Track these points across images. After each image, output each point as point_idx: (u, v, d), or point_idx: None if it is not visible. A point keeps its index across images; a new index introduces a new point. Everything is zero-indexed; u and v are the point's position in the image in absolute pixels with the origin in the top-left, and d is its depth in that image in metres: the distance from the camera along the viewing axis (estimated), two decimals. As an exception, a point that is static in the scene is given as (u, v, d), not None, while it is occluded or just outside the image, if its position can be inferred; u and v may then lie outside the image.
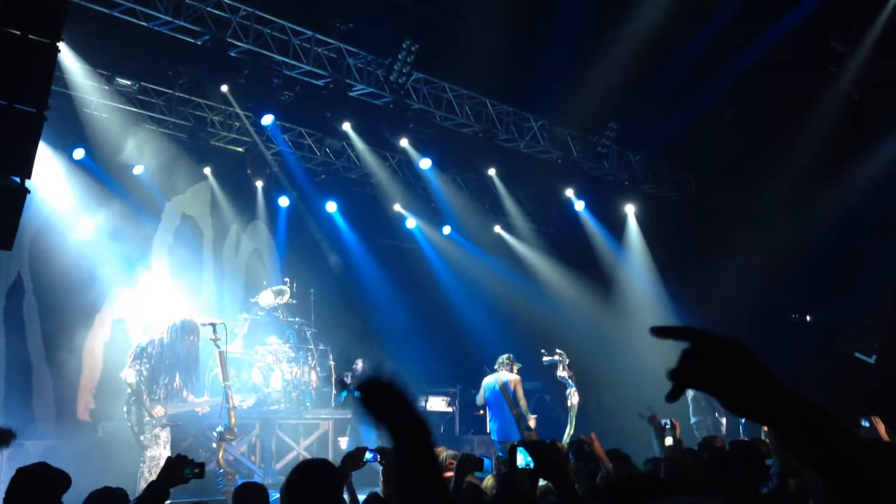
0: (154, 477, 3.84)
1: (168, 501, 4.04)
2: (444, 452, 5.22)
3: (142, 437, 8.41)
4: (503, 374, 10.08)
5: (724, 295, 13.14)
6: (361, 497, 4.75)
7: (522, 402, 9.95)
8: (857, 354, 12.51)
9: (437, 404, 13.01)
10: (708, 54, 11.25)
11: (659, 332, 1.30)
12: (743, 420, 9.62)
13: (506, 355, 10.33)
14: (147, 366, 8.62)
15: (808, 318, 14.22)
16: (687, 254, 14.77)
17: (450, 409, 13.09)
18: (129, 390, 8.61)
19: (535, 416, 10.20)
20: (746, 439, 6.98)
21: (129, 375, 8.56)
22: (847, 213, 12.42)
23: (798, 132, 12.36)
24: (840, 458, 1.19)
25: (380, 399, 1.66)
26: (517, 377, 10.13)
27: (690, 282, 13.96)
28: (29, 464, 3.80)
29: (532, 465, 2.80)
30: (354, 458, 4.96)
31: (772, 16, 10.81)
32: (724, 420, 10.42)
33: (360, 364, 11.52)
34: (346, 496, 4.80)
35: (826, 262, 12.89)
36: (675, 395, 1.26)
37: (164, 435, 8.45)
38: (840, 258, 12.87)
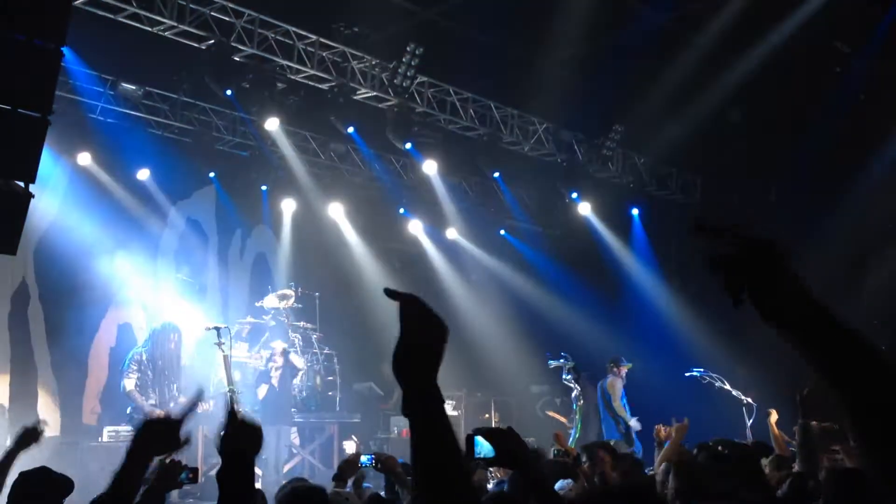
0: None
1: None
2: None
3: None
4: (608, 378, 10.31)
5: (730, 298, 13.07)
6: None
7: (615, 404, 10.08)
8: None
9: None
10: (713, 56, 11.22)
11: (700, 229, 1.31)
12: (750, 422, 9.58)
13: (610, 358, 10.62)
14: (140, 373, 8.89)
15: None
16: (692, 256, 14.72)
17: (455, 413, 13.05)
18: (129, 398, 8.86)
19: (636, 417, 10.19)
20: (747, 443, 6.95)
21: (127, 384, 8.87)
22: (852, 215, 12.37)
23: (803, 133, 12.31)
24: (855, 360, 1.22)
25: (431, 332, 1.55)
26: (612, 378, 10.27)
27: (695, 284, 13.91)
28: (31, 468, 3.79)
29: (491, 454, 2.63)
30: (352, 464, 4.97)
31: (776, 16, 10.77)
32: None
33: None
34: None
35: (831, 264, 12.83)
36: (735, 296, 1.29)
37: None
38: (845, 260, 12.81)
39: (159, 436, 2.34)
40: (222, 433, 2.16)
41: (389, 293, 1.56)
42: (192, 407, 2.36)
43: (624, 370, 10.79)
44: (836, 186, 12.45)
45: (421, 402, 1.49)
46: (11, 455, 4.03)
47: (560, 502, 2.86)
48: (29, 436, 4.15)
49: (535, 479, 2.70)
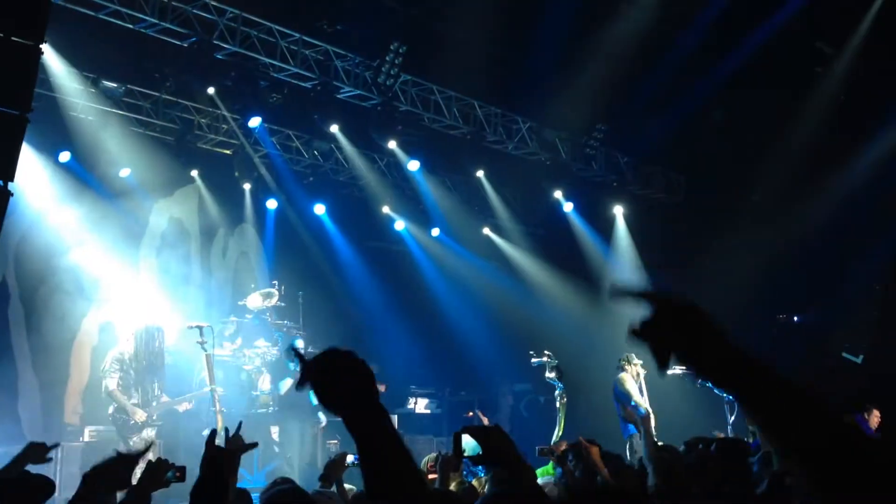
0: None
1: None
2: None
3: (130, 442, 8.53)
4: (619, 375, 10.36)
5: (712, 295, 13.11)
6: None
7: (635, 397, 10.10)
8: (845, 354, 12.57)
9: (425, 405, 12.99)
10: (695, 56, 11.28)
11: (618, 293, 1.32)
12: (731, 419, 9.65)
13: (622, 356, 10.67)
14: (122, 372, 8.91)
15: (795, 318, 14.28)
16: (675, 255, 14.80)
17: (437, 411, 13.07)
18: (111, 399, 8.88)
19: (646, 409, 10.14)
20: (732, 437, 7.01)
21: (109, 384, 8.86)
22: (834, 214, 12.47)
23: (785, 134, 12.41)
24: (800, 422, 1.20)
25: (335, 378, 1.52)
26: (623, 374, 10.32)
27: (678, 283, 13.99)
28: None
29: (478, 451, 2.63)
30: (338, 464, 4.96)
31: (758, 17, 10.84)
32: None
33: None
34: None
35: (813, 263, 12.94)
36: (663, 364, 1.27)
37: (154, 436, 8.57)
38: (827, 259, 12.93)
39: (114, 474, 2.39)
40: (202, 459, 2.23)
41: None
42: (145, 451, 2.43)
43: (635, 367, 10.85)
44: (819, 185, 12.55)
45: (364, 422, 1.50)
46: (17, 465, 4.00)
47: (546, 499, 2.86)
48: (37, 452, 4.12)
49: (522, 476, 2.71)
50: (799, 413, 1.21)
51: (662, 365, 1.29)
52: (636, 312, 1.32)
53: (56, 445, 4.15)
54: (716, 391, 9.97)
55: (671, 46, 11.27)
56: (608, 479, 4.52)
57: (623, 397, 10.24)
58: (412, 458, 1.48)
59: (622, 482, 4.57)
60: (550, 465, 6.65)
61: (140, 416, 8.87)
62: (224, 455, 2.22)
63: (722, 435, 8.59)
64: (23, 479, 3.64)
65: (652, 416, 9.75)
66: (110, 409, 9.11)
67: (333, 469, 5.00)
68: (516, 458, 2.68)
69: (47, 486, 3.77)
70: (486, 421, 12.43)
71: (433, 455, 5.22)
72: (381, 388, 9.17)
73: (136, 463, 2.36)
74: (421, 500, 1.43)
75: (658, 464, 4.22)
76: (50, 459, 4.12)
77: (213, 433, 2.27)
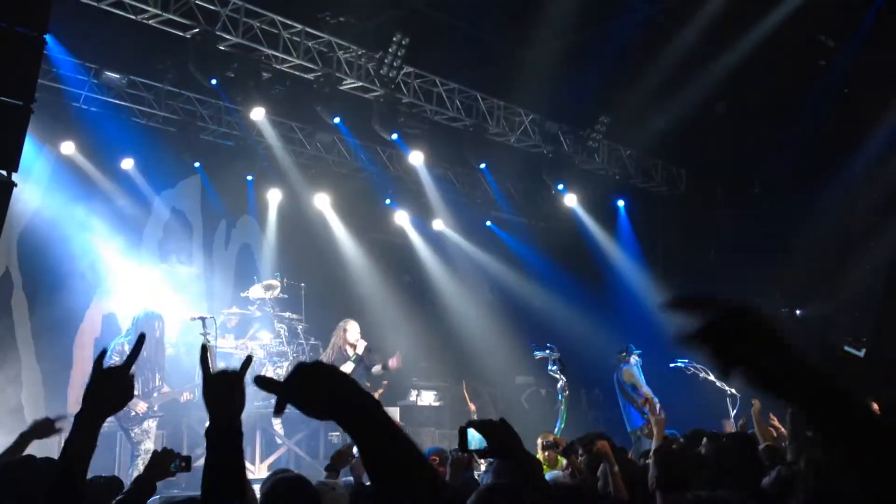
0: None
1: (157, 496, 4.03)
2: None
3: (132, 433, 8.52)
4: (622, 368, 10.39)
5: (715, 289, 13.13)
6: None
7: (643, 390, 10.12)
8: (847, 348, 12.57)
9: (427, 398, 13.01)
10: (698, 49, 11.25)
11: (676, 304, 1.29)
12: (734, 412, 9.66)
13: (620, 349, 10.70)
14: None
15: (797, 311, 14.27)
16: (677, 248, 14.80)
17: (439, 404, 13.09)
18: None
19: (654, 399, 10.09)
20: (742, 431, 7.02)
21: None
22: (836, 207, 12.46)
23: (788, 126, 12.38)
24: (858, 433, 1.19)
25: (312, 391, 1.48)
26: (626, 367, 10.35)
27: (681, 276, 14.00)
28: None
29: (484, 445, 2.64)
30: (344, 454, 4.97)
31: (761, 9, 10.81)
32: None
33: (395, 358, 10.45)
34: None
35: (816, 256, 12.93)
36: (724, 371, 1.26)
37: (155, 427, 8.56)
38: (829, 252, 12.92)
39: (111, 390, 2.25)
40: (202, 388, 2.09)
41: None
42: (136, 352, 2.28)
43: (633, 358, 10.89)
44: (820, 179, 12.53)
45: (355, 416, 1.47)
46: (24, 441, 4.02)
47: (552, 492, 2.88)
48: (43, 427, 4.14)
49: (528, 469, 2.72)
50: (860, 427, 1.20)
51: (724, 372, 1.27)
52: (677, 318, 1.29)
53: (63, 417, 4.11)
54: (717, 385, 10.03)
55: (674, 38, 11.23)
56: (617, 474, 4.53)
57: (631, 390, 10.26)
58: (412, 441, 1.47)
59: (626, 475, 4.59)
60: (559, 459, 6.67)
61: (140, 406, 8.84)
62: (226, 381, 2.12)
63: (731, 427, 8.60)
64: (27, 464, 3.66)
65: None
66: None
67: (339, 459, 5.01)
68: (522, 452, 2.69)
69: (53, 469, 3.78)
70: (472, 407, 12.45)
71: (435, 448, 5.23)
72: (393, 362, 9.01)
73: (129, 370, 2.24)
74: (425, 485, 1.43)
75: (658, 456, 4.24)
76: (59, 430, 4.09)
77: (205, 360, 2.19)
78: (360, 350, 10.03)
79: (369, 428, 1.46)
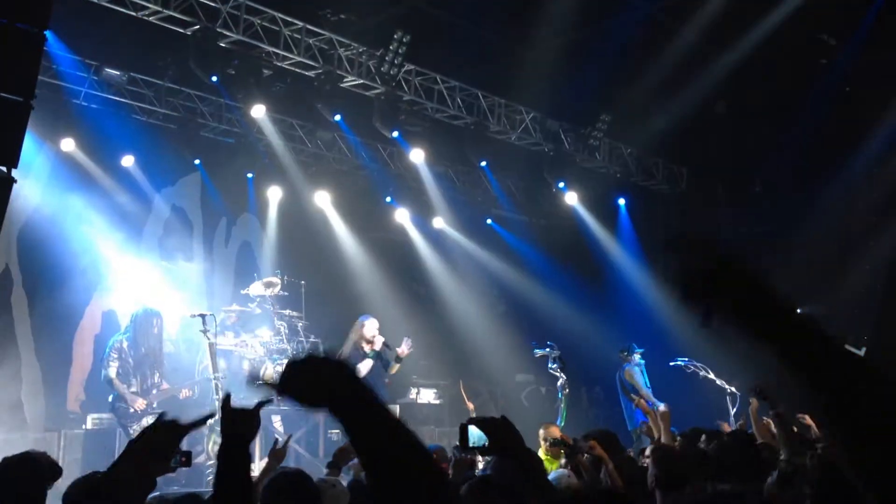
0: None
1: (156, 492, 4.01)
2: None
3: (130, 431, 8.53)
4: (624, 367, 10.39)
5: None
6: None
7: (642, 391, 10.12)
8: (847, 347, 12.56)
9: (427, 396, 13.01)
10: (699, 47, 11.24)
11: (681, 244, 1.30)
12: (734, 411, 9.66)
13: (621, 349, 10.71)
14: (121, 361, 8.87)
15: (797, 310, 14.27)
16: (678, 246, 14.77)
17: (439, 402, 13.08)
18: (111, 387, 8.86)
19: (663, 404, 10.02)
20: (742, 430, 7.02)
21: (109, 372, 8.83)
22: (836, 206, 12.46)
23: (788, 126, 12.37)
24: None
25: (309, 382, 1.47)
26: (629, 367, 10.35)
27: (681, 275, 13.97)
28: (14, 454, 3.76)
29: (484, 442, 2.63)
30: (346, 451, 4.95)
31: (762, 8, 10.80)
32: None
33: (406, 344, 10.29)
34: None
35: (816, 255, 12.93)
36: (707, 319, 1.29)
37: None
38: (829, 250, 12.91)
39: (162, 443, 2.34)
40: (221, 419, 2.26)
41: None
42: (201, 422, 2.38)
43: (636, 356, 10.90)
44: (821, 178, 12.53)
45: (354, 406, 1.44)
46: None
47: (554, 491, 2.87)
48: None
49: (529, 467, 2.71)
50: (839, 369, 1.21)
51: (706, 321, 1.27)
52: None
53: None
54: (717, 383, 10.03)
55: (674, 37, 11.22)
56: (613, 473, 4.52)
57: (632, 390, 10.28)
58: (414, 436, 1.44)
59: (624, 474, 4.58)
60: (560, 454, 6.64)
61: (139, 404, 8.87)
62: (243, 416, 2.30)
63: (728, 426, 8.60)
64: (26, 460, 3.65)
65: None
66: (110, 398, 9.13)
67: (342, 456, 4.97)
68: (523, 449, 2.69)
69: (52, 469, 3.78)
70: (470, 406, 12.42)
71: (438, 447, 5.22)
72: (403, 349, 8.93)
73: (185, 432, 2.35)
74: (426, 485, 1.40)
75: (657, 454, 4.23)
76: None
77: (228, 397, 2.34)
78: (377, 346, 10.01)
79: (362, 419, 1.42)
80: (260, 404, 2.29)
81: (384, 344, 10.07)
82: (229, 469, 2.21)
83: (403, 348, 10.08)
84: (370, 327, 10.10)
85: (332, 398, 1.45)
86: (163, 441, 2.30)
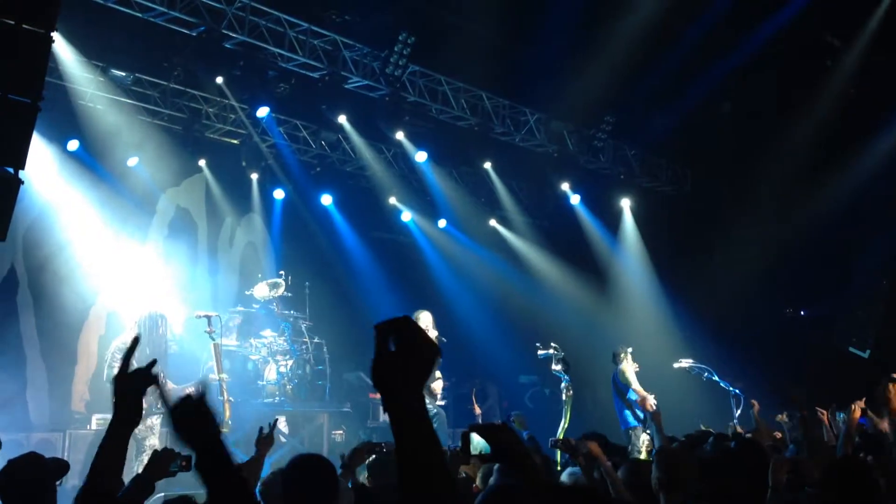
0: None
1: (160, 494, 4.04)
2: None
3: (135, 430, 8.51)
4: (618, 367, 10.37)
5: (719, 289, 13.18)
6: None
7: (636, 388, 10.08)
8: (851, 349, 12.55)
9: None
10: (704, 49, 11.25)
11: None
12: (737, 413, 9.65)
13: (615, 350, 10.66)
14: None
15: (802, 312, 14.26)
16: (682, 248, 14.78)
17: (443, 402, 13.08)
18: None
19: (652, 394, 9.96)
20: (749, 436, 7.01)
21: (112, 372, 8.77)
22: (841, 207, 12.44)
23: (793, 127, 12.37)
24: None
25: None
26: (623, 367, 10.32)
27: (685, 276, 13.98)
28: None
29: (487, 450, 2.66)
30: (359, 452, 4.94)
31: (768, 9, 10.80)
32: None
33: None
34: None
35: (820, 257, 12.92)
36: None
37: (159, 424, 8.56)
38: (834, 252, 12.90)
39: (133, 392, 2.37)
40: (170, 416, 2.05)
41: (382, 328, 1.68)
42: (130, 354, 2.42)
43: (628, 351, 10.87)
44: (825, 179, 12.52)
45: (410, 409, 1.56)
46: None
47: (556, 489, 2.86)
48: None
49: (532, 472, 2.71)
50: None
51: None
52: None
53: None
54: (721, 384, 10.02)
55: (679, 38, 11.23)
56: (611, 472, 4.52)
57: (625, 389, 10.24)
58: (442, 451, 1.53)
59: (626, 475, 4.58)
60: None
61: (143, 403, 8.86)
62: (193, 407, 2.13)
63: (740, 429, 8.57)
64: (32, 461, 3.66)
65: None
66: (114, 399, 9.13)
67: (355, 458, 4.93)
68: (525, 456, 2.69)
69: (59, 467, 3.79)
70: (477, 410, 12.44)
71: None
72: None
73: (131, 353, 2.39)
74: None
75: (661, 456, 4.23)
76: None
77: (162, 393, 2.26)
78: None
79: (416, 430, 1.54)
80: (152, 363, 2.42)
81: (437, 339, 9.95)
82: (212, 477, 2.04)
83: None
84: (423, 321, 9.90)
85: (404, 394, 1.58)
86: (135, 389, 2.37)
